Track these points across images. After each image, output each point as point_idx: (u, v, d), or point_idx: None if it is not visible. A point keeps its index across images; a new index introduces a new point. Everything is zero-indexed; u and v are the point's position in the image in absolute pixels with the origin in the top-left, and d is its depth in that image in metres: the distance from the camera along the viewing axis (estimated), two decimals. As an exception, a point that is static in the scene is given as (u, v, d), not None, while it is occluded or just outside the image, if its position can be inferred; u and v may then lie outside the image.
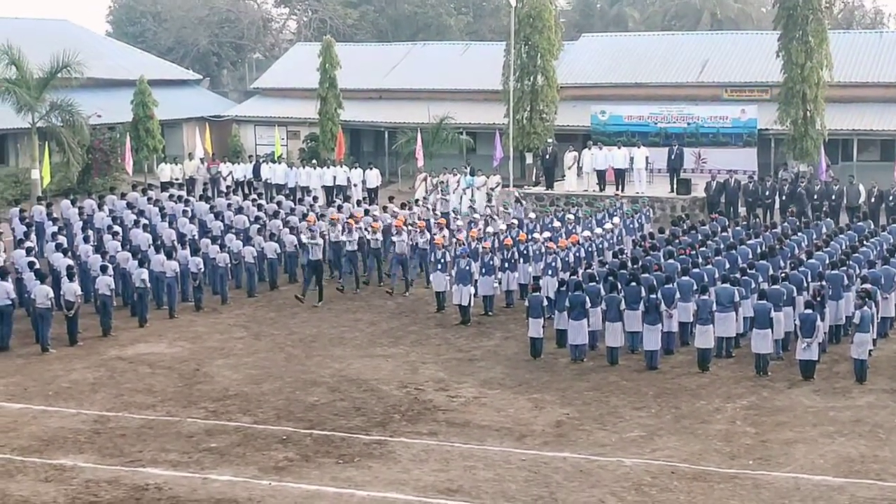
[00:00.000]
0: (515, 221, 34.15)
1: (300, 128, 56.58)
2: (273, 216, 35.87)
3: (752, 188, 40.15)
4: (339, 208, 37.27)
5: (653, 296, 24.91)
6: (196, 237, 33.44)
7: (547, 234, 31.99)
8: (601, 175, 43.66)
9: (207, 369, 24.82)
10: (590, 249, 31.17)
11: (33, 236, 32.78)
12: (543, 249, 30.23)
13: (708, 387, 23.36)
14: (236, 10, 79.58)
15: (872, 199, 38.51)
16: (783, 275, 26.23)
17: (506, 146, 47.07)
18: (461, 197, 44.46)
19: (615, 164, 43.22)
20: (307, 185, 45.70)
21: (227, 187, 45.57)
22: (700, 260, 28.05)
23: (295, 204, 39.16)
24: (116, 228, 33.11)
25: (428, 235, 32.59)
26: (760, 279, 26.50)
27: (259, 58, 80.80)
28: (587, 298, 25.31)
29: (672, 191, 42.54)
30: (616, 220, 34.71)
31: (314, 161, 48.98)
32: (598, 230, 32.97)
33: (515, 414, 21.74)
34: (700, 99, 49.25)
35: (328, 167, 46.81)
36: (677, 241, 31.16)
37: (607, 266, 28.20)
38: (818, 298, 24.68)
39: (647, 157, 43.17)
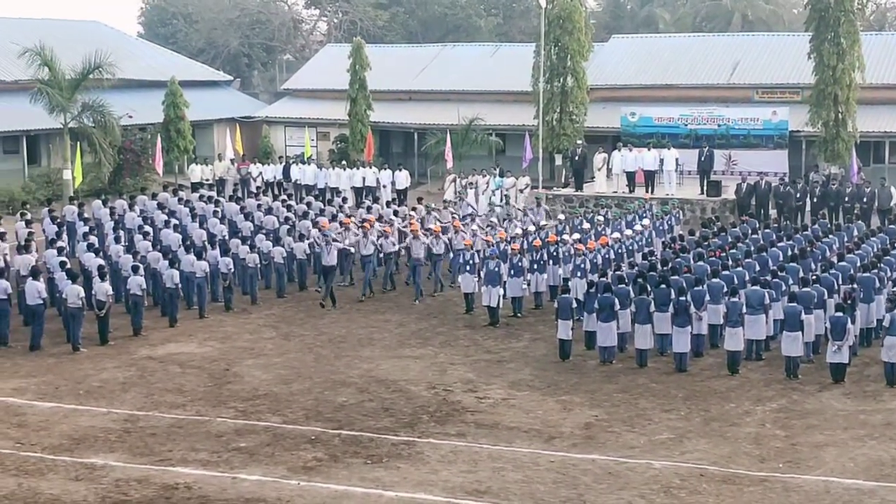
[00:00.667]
0: (532, 227, 33.84)
1: (330, 129, 56.71)
2: (302, 217, 35.96)
3: (783, 190, 39.96)
4: (368, 209, 37.33)
5: (682, 298, 24.83)
6: (226, 238, 33.56)
7: (576, 236, 31.94)
8: (631, 177, 43.61)
9: (237, 369, 24.91)
10: (619, 251, 31.11)
11: (65, 236, 32.95)
12: (573, 251, 30.18)
13: (737, 389, 23.26)
14: (267, 11, 79.90)
15: (904, 202, 38.28)
16: (814, 277, 26.11)
17: (535, 147, 47.01)
18: (490, 198, 44.53)
19: (645, 165, 43.18)
20: (336, 186, 45.85)
21: (258, 188, 45.71)
22: (730, 262, 27.93)
23: (324, 205, 39.24)
24: (147, 229, 33.24)
25: (443, 241, 32.31)
26: (791, 282, 26.37)
27: (289, 59, 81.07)
28: (616, 300, 25.27)
29: (702, 193, 42.40)
30: (646, 221, 34.62)
31: (344, 162, 49.13)
32: (628, 232, 32.90)
33: (544, 416, 21.71)
34: (731, 100, 49.10)
35: (358, 168, 46.94)
36: (707, 243, 31.05)
37: (636, 268, 28.13)
38: (849, 301, 24.54)
39: (677, 159, 43.12)
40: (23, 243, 30.22)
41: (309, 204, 38.74)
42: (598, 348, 25.50)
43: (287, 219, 35.52)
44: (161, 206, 36.80)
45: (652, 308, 25.07)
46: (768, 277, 26.17)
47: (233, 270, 31.00)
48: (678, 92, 51.17)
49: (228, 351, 26.53)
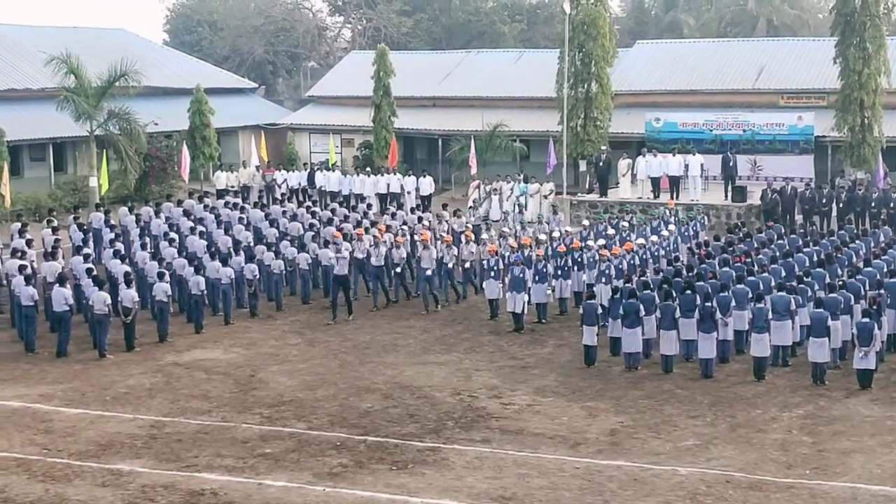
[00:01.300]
0: (542, 235, 33.67)
1: (354, 135, 56.85)
2: (327, 223, 36.03)
3: (809, 196, 39.79)
4: (393, 216, 37.37)
5: (708, 304, 24.75)
6: (251, 244, 33.64)
7: (601, 242, 31.87)
8: (655, 182, 43.52)
9: (262, 375, 24.96)
10: (644, 257, 31.04)
11: (91, 243, 33.11)
12: (597, 257, 30.12)
13: (764, 396, 23.16)
14: (291, 18, 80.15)
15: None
16: (840, 283, 25.97)
17: (559, 153, 46.98)
18: (514, 204, 44.51)
19: (670, 171, 43.10)
20: (361, 193, 45.93)
21: (282, 195, 45.83)
22: (756, 268, 27.82)
23: (349, 211, 39.30)
24: (173, 235, 33.37)
25: (455, 250, 31.75)
26: (817, 287, 26.25)
27: (314, 66, 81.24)
28: (641, 306, 25.21)
29: (726, 198, 42.29)
30: (671, 227, 34.53)
31: (368, 168, 49.20)
32: (653, 238, 32.83)
33: (569, 422, 21.67)
34: (756, 106, 48.93)
35: (382, 175, 47.02)
36: (732, 248, 30.94)
37: (662, 274, 28.07)
38: (875, 307, 24.41)
39: (702, 165, 43.01)
40: (49, 250, 30.39)
41: (333, 210, 38.81)
42: (623, 354, 25.44)
43: (311, 225, 35.59)
44: (187, 213, 36.95)
45: (677, 314, 24.99)
46: (794, 283, 26.05)
47: (258, 277, 31.10)
48: (703, 97, 51.04)
49: (254, 357, 26.60)
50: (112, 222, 35.70)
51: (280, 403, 22.84)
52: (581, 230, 35.71)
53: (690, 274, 27.64)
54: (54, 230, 33.52)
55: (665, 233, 33.74)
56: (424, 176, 47.06)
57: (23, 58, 53.45)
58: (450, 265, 31.54)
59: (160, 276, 28.47)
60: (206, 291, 29.34)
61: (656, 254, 31.83)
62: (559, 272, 30.43)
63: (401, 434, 20.87)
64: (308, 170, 49.44)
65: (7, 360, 26.30)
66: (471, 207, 39.40)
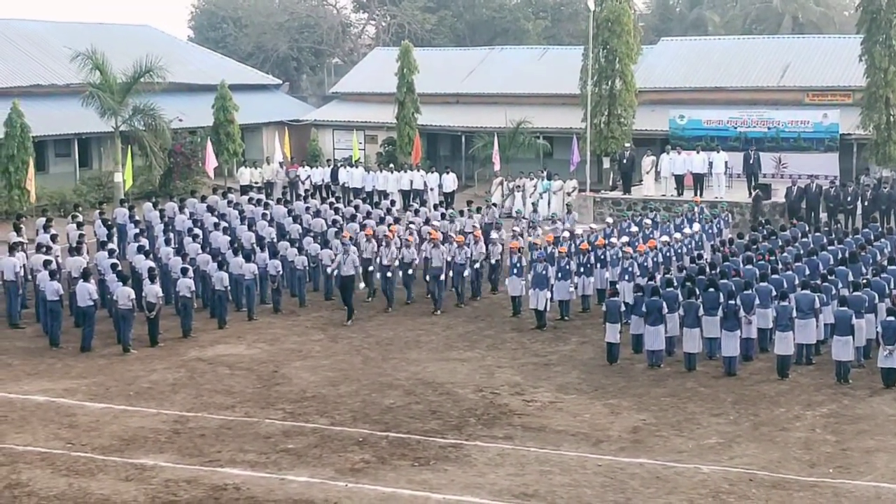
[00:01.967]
0: (565, 233, 33.51)
1: (378, 132, 56.87)
2: (350, 220, 36.08)
3: (834, 193, 39.61)
4: (416, 212, 37.39)
5: (731, 301, 24.67)
6: (275, 240, 33.72)
7: (624, 239, 31.81)
8: (679, 180, 43.40)
9: (285, 371, 25.02)
10: (668, 255, 30.97)
11: (116, 238, 33.24)
12: (621, 254, 30.07)
13: (787, 394, 23.08)
14: (316, 15, 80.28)
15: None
16: (865, 281, 25.85)
17: (583, 150, 46.92)
18: (537, 201, 44.50)
19: (694, 168, 42.96)
20: (384, 189, 45.99)
21: (306, 191, 45.95)
22: (780, 266, 27.72)
23: (372, 208, 39.35)
24: (197, 231, 33.49)
25: (466, 250, 31.26)
26: (841, 285, 26.14)
27: (338, 63, 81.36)
28: (664, 304, 25.15)
29: (750, 195, 42.15)
30: (696, 226, 34.43)
31: (391, 165, 49.25)
32: (677, 235, 32.74)
33: (591, 419, 21.65)
34: (781, 103, 48.74)
35: (405, 171, 47.06)
36: (756, 246, 30.83)
37: (685, 271, 27.99)
38: (901, 305, 24.28)
39: (726, 162, 42.87)
40: (74, 245, 30.55)
41: (357, 207, 38.87)
42: (646, 352, 25.39)
43: (335, 221, 35.65)
44: (210, 209, 37.06)
45: (701, 312, 24.92)
46: (818, 281, 25.95)
47: (281, 273, 31.16)
48: (727, 94, 50.88)
49: (277, 353, 26.67)
50: (136, 218, 35.85)
51: (303, 399, 22.88)
52: (604, 227, 35.61)
53: (714, 272, 27.55)
54: (79, 225, 33.70)
55: (689, 230, 33.64)
56: (448, 172, 47.08)
57: (48, 54, 53.73)
58: (470, 266, 31.35)
59: (184, 271, 28.56)
60: (229, 287, 29.42)
61: (680, 251, 31.74)
62: (582, 269, 30.39)
63: (423, 430, 20.89)
64: (331, 166, 49.53)
65: (32, 355, 26.45)
66: (493, 205, 39.34)
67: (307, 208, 38.10)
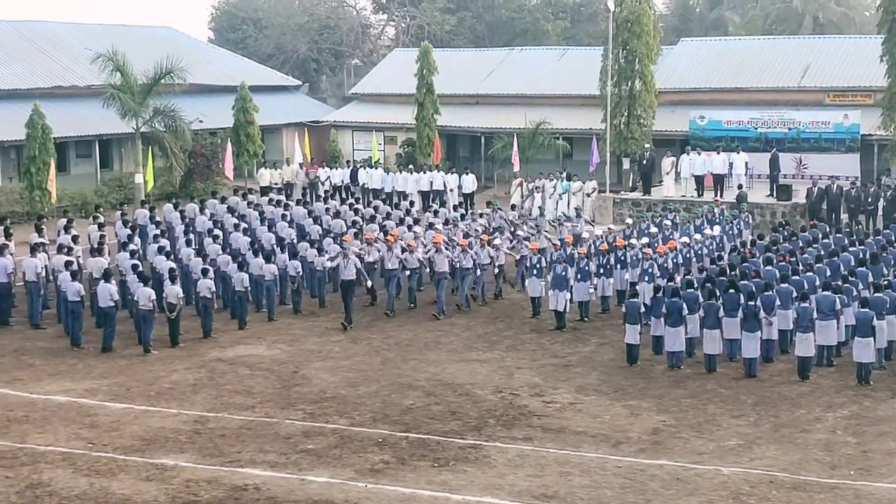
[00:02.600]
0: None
1: (397, 133, 56.93)
2: (370, 221, 36.12)
3: (855, 194, 39.47)
4: (436, 213, 37.41)
5: (752, 303, 24.61)
6: (294, 241, 33.78)
7: (644, 240, 31.77)
8: (699, 181, 43.33)
9: (305, 372, 25.07)
10: (688, 256, 30.90)
11: (137, 239, 33.34)
12: (641, 255, 30.04)
13: (808, 396, 23.01)
14: (335, 16, 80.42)
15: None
16: (886, 282, 25.75)
17: (602, 151, 46.88)
18: (557, 202, 44.47)
19: (714, 169, 42.90)
20: (404, 190, 46.06)
21: (325, 192, 46.04)
22: (801, 267, 27.64)
23: (392, 209, 39.38)
24: (217, 232, 33.57)
25: (471, 254, 30.84)
26: (862, 287, 26.05)
27: (357, 64, 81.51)
28: (684, 305, 25.10)
29: (770, 196, 42.09)
30: (717, 228, 34.36)
31: (411, 166, 49.30)
32: (697, 236, 32.67)
33: (611, 420, 21.63)
34: (802, 104, 48.59)
35: (425, 172, 47.11)
36: (777, 247, 30.75)
37: (705, 272, 27.94)
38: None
39: (746, 163, 42.76)
40: (95, 246, 30.66)
41: (376, 208, 38.93)
42: (666, 353, 25.35)
43: (354, 222, 35.68)
44: (231, 210, 37.17)
45: (721, 313, 24.86)
46: (839, 282, 25.86)
47: (301, 274, 31.20)
48: (748, 95, 50.76)
49: (297, 353, 26.72)
50: (157, 219, 35.95)
51: (322, 400, 22.92)
52: (624, 228, 35.56)
53: (734, 273, 27.49)
54: (100, 226, 33.81)
55: (709, 231, 33.57)
56: (467, 173, 47.10)
57: (70, 55, 54.02)
58: (474, 271, 31.01)
59: (204, 272, 28.63)
60: (249, 288, 29.50)
61: (700, 252, 31.68)
62: (602, 270, 30.35)
63: (442, 431, 20.90)
64: (351, 167, 49.61)
65: (53, 356, 26.57)
66: (498, 208, 39.30)
67: (327, 209, 38.15)
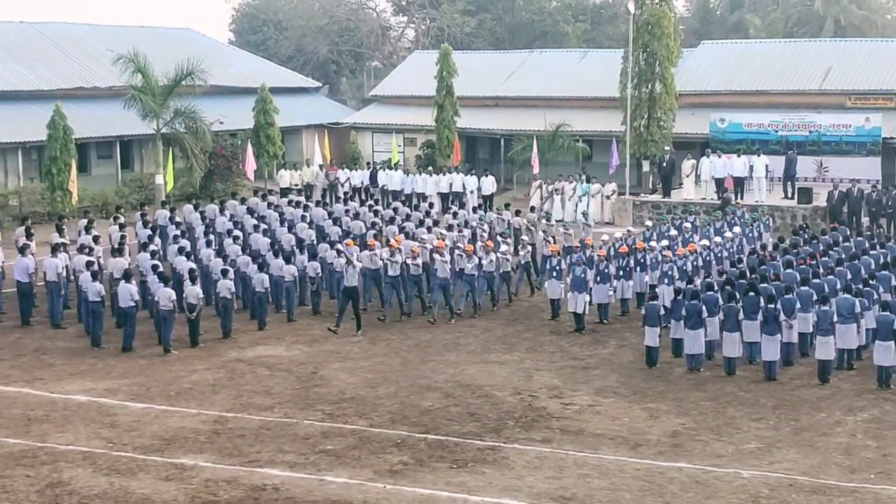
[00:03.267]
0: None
1: (417, 135, 56.97)
2: (389, 222, 36.15)
3: (876, 198, 39.33)
4: (455, 215, 37.41)
5: (771, 306, 24.53)
6: (314, 242, 33.82)
7: (664, 243, 31.71)
8: (720, 183, 43.23)
9: (324, 372, 25.10)
10: (708, 258, 30.83)
11: (157, 240, 33.44)
12: (660, 258, 29.98)
13: (828, 399, 22.93)
14: (355, 18, 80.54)
15: None
16: (907, 286, 25.66)
17: (622, 154, 46.83)
18: (576, 204, 44.44)
19: (734, 172, 42.81)
20: (423, 192, 46.09)
21: (345, 193, 46.07)
22: (821, 270, 27.54)
23: (411, 210, 39.40)
24: (237, 233, 33.62)
25: (476, 259, 30.43)
26: (882, 290, 25.94)
27: (377, 66, 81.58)
28: (704, 307, 25.04)
29: (785, 198, 42.05)
30: (737, 229, 34.28)
31: (430, 168, 49.32)
32: (717, 239, 32.58)
33: (630, 423, 21.59)
34: (823, 107, 48.43)
35: (444, 174, 47.13)
36: (797, 250, 30.66)
37: (725, 275, 27.85)
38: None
39: (766, 166, 42.65)
40: (116, 246, 30.76)
41: (396, 209, 38.95)
42: (686, 356, 25.29)
43: (374, 224, 35.72)
44: (251, 211, 37.25)
45: (741, 316, 24.79)
46: (860, 286, 25.76)
47: (321, 275, 31.22)
48: (768, 98, 50.61)
49: (316, 354, 26.76)
50: (177, 219, 36.05)
51: (341, 400, 22.95)
52: (644, 231, 35.50)
53: (754, 276, 27.42)
54: (121, 227, 33.92)
55: (729, 234, 33.49)
56: (486, 175, 47.09)
57: (91, 56, 54.25)
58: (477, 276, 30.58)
59: (224, 273, 28.70)
60: (269, 288, 29.55)
61: (720, 255, 31.61)
62: (621, 273, 30.31)
63: (461, 433, 20.90)
64: (370, 169, 49.66)
65: (74, 355, 26.68)
66: (532, 207, 39.23)
67: (347, 211, 38.21)
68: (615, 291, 30.12)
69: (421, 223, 35.37)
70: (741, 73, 53.10)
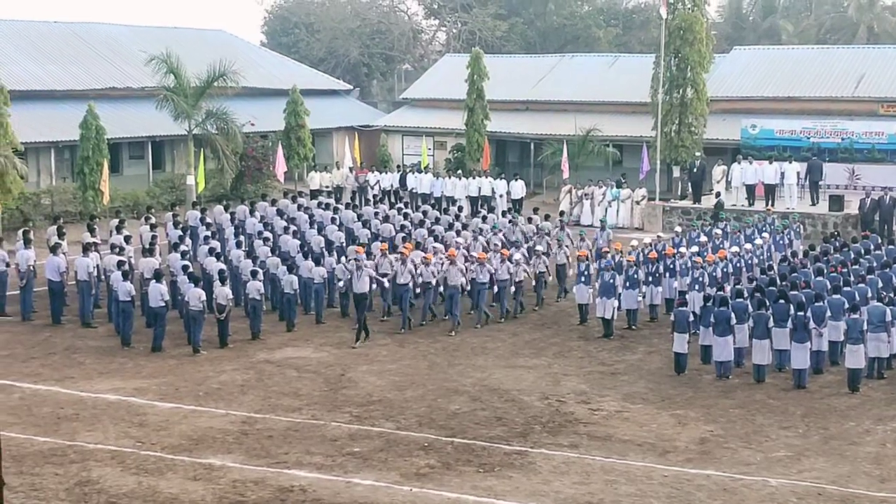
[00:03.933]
0: (588, 250, 32.79)
1: (447, 138, 57.02)
2: (419, 225, 36.19)
3: (908, 206, 39.07)
4: (484, 219, 37.40)
5: (801, 313, 24.40)
6: (343, 244, 33.89)
7: (694, 249, 31.62)
8: (750, 190, 43.05)
9: (352, 375, 25.15)
10: (738, 265, 30.71)
11: (188, 240, 33.59)
12: (690, 264, 29.89)
13: (858, 408, 22.80)
14: (387, 21, 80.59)
15: None
16: (939, 295, 25.47)
17: (653, 159, 46.71)
18: (606, 209, 44.35)
19: (765, 178, 42.60)
20: (452, 196, 46.09)
21: (374, 196, 46.14)
22: (852, 278, 27.39)
23: (440, 213, 39.42)
24: (267, 234, 33.73)
25: (488, 267, 29.97)
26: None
27: (408, 69, 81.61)
28: (733, 314, 24.95)
29: (812, 204, 41.85)
30: (766, 235, 34.14)
31: (460, 171, 49.34)
32: (747, 246, 32.45)
33: (658, 429, 21.53)
34: (855, 114, 48.14)
35: (473, 178, 47.11)
36: (828, 258, 30.49)
37: (755, 282, 27.75)
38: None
39: (798, 173, 42.42)
40: (147, 247, 30.94)
41: (425, 213, 38.97)
42: (714, 363, 25.20)
43: (403, 227, 35.75)
44: (280, 213, 37.35)
45: (770, 323, 24.67)
46: (891, 294, 25.60)
47: (350, 277, 31.22)
48: (800, 104, 50.33)
49: (344, 356, 26.81)
50: (208, 220, 36.19)
51: (369, 403, 22.99)
52: (673, 236, 35.38)
53: (784, 283, 27.29)
54: (152, 227, 34.09)
55: (759, 241, 33.35)
56: (516, 179, 47.08)
57: (124, 57, 54.51)
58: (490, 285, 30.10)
59: (254, 274, 28.80)
60: (298, 290, 29.63)
61: (750, 262, 31.47)
62: (650, 279, 30.23)
63: (488, 437, 20.90)
64: (400, 172, 49.72)
65: (104, 354, 26.82)
66: (561, 212, 39.11)
67: (376, 213, 38.27)
68: (644, 297, 30.04)
69: (450, 227, 35.38)
70: (773, 80, 52.85)
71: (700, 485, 18.54)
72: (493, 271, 30.06)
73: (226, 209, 37.81)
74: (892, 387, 24.03)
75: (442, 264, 30.06)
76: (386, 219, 37.35)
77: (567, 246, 33.47)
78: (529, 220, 37.10)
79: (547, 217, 37.38)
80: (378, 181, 48.58)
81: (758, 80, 53.28)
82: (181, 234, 33.87)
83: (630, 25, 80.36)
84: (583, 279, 30.02)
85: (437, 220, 37.32)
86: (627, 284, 29.27)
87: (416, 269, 29.75)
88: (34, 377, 24.65)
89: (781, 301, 25.02)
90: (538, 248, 32.82)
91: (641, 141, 48.76)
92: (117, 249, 30.69)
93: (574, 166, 48.08)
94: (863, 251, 31.62)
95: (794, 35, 75.88)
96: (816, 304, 25.07)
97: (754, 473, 19.10)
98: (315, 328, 29.52)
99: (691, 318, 25.99)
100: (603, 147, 49.82)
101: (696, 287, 28.49)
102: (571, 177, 47.54)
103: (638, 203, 45.28)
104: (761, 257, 32.24)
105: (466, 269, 30.06)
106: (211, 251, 31.22)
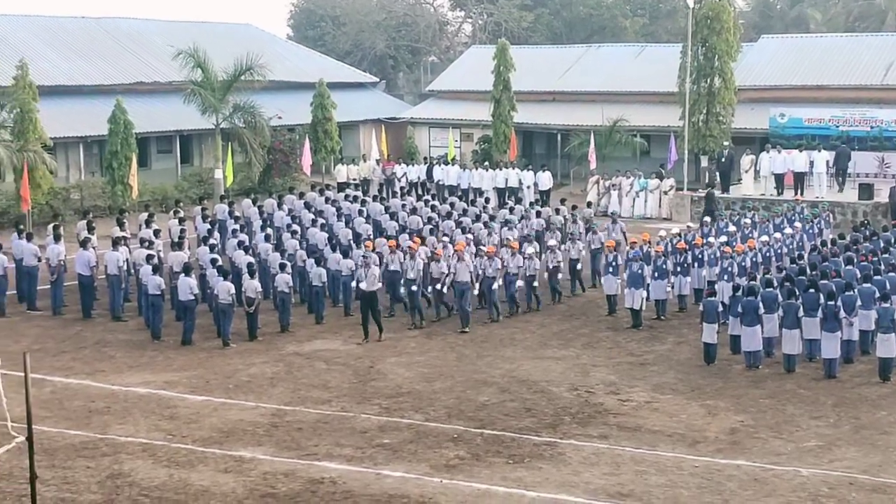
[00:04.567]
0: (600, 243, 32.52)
1: (473, 130, 56.99)
2: (446, 217, 36.19)
3: (939, 194, 38.81)
4: (511, 210, 37.36)
5: (831, 303, 24.27)
6: (371, 237, 33.93)
7: (723, 239, 31.49)
8: (779, 179, 42.85)
9: (381, 367, 25.19)
10: (767, 255, 30.57)
11: (216, 234, 33.72)
12: (719, 254, 29.77)
13: (889, 397, 22.66)
14: (413, 13, 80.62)
15: None
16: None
17: (681, 149, 46.53)
18: (633, 200, 44.24)
19: (794, 167, 42.40)
20: (479, 187, 46.05)
21: (402, 188, 46.17)
22: (882, 267, 27.21)
23: (468, 205, 39.40)
24: (295, 227, 33.80)
25: (498, 262, 29.67)
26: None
27: (434, 61, 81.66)
28: (761, 304, 24.83)
29: (840, 192, 41.61)
30: (797, 224, 33.96)
31: (487, 163, 49.29)
32: (777, 235, 32.29)
33: (688, 420, 21.47)
34: (885, 102, 47.82)
35: (500, 169, 47.06)
36: (858, 247, 30.31)
37: (785, 272, 27.61)
38: None
39: (827, 162, 42.19)
40: (176, 240, 31.06)
41: (452, 204, 38.96)
42: (744, 353, 25.09)
43: (430, 219, 35.76)
44: (308, 206, 37.43)
45: (800, 313, 24.55)
46: (923, 283, 25.44)
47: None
48: (829, 93, 50.04)
49: (372, 348, 26.84)
50: (236, 214, 36.31)
51: (398, 395, 23.02)
52: (702, 226, 35.25)
53: (814, 272, 27.15)
54: (181, 221, 34.23)
55: (789, 230, 33.18)
56: (543, 170, 46.97)
57: (151, 52, 54.76)
58: (498, 280, 29.56)
59: (282, 267, 28.87)
60: (326, 283, 29.69)
61: (779, 251, 31.33)
62: (679, 269, 30.13)
63: (517, 428, 20.89)
64: (427, 164, 49.73)
65: (134, 348, 26.97)
66: (588, 203, 38.93)
67: (403, 205, 38.30)
68: (672, 287, 29.95)
69: (477, 218, 35.36)
70: (801, 68, 52.57)
71: (731, 475, 18.48)
72: (504, 265, 29.78)
73: (254, 202, 37.94)
74: (924, 376, 23.88)
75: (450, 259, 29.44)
76: (413, 211, 37.39)
77: (579, 240, 33.08)
78: (557, 210, 37.05)
79: (557, 211, 37.02)
80: (405, 173, 48.62)
81: (786, 68, 53.02)
82: (210, 227, 34.02)
83: (657, 15, 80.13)
84: (611, 270, 29.95)
85: (465, 212, 37.28)
86: (656, 275, 29.18)
87: (427, 265, 29.18)
88: (65, 371, 24.80)
89: (811, 290, 24.88)
90: (550, 242, 32.31)
91: (669, 131, 48.60)
92: (146, 243, 30.84)
93: (601, 157, 47.97)
94: (893, 240, 31.41)
95: (822, 23, 75.47)
96: (847, 293, 24.92)
97: (785, 463, 19.02)
98: (343, 321, 29.57)
99: (720, 308, 25.89)
100: (630, 137, 49.69)
101: (725, 277, 28.38)
102: (599, 167, 47.44)
103: (666, 193, 45.14)
104: (791, 247, 32.07)
105: (476, 265, 29.34)
106: (239, 244, 31.32)
